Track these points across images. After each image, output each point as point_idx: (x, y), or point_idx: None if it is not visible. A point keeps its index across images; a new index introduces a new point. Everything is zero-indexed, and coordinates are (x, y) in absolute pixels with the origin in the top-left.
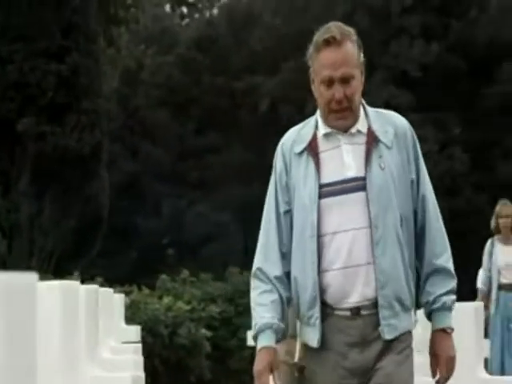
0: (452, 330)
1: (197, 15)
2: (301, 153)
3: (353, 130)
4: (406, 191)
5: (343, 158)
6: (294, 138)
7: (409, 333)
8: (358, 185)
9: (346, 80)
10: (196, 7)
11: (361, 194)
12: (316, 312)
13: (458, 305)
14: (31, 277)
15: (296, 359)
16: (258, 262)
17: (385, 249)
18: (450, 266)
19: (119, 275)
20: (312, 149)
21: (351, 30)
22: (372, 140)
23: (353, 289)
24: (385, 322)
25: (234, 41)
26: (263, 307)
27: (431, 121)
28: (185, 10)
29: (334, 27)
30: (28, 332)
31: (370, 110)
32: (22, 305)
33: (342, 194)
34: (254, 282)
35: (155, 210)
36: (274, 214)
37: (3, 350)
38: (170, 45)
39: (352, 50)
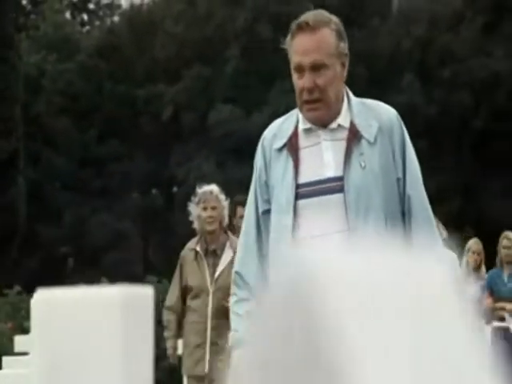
0: None
1: (98, 22)
2: (281, 149)
3: (333, 125)
4: (392, 191)
5: (323, 156)
6: (275, 132)
7: None
8: (336, 185)
9: (316, 68)
10: (97, 14)
11: (339, 196)
12: None
13: None
14: (147, 290)
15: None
16: (236, 265)
17: None
18: None
19: (20, 284)
20: (292, 145)
21: (332, 18)
22: (353, 136)
23: None
24: None
25: (135, 48)
26: (237, 319)
27: None
28: (85, 17)
29: (312, 14)
30: (145, 343)
31: (355, 101)
32: (139, 317)
33: (319, 195)
34: (232, 288)
35: (57, 218)
36: (253, 214)
37: (121, 362)
38: (71, 52)
39: (328, 38)
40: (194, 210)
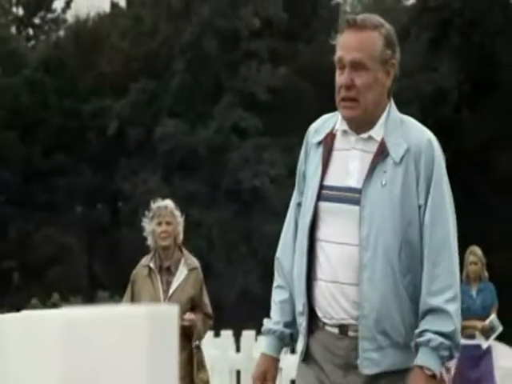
0: (432, 372)
1: (43, 37)
2: (318, 144)
3: (365, 135)
4: (412, 215)
5: (349, 164)
6: (318, 127)
7: (404, 372)
8: (354, 197)
9: (356, 66)
10: (42, 29)
11: (355, 208)
12: (304, 320)
13: None
14: (173, 309)
15: None
16: (278, 250)
17: (373, 274)
18: (450, 307)
19: None
20: (327, 144)
21: (385, 25)
22: (381, 152)
23: (338, 305)
24: (364, 355)
25: (81, 63)
26: (274, 306)
27: (279, 144)
28: (31, 31)
29: (365, 15)
30: (170, 363)
31: (393, 118)
32: (164, 336)
33: (340, 202)
34: (275, 271)
35: (1, 232)
36: (293, 204)
37: (146, 382)
38: (16, 66)
39: (373, 40)
40: (148, 225)
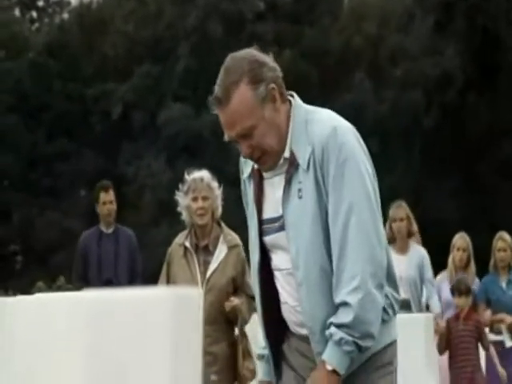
0: (331, 367)
1: (47, 20)
2: (249, 177)
3: (281, 161)
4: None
5: (275, 193)
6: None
7: (372, 357)
8: (281, 223)
9: (244, 135)
10: (46, 12)
11: (283, 234)
12: (267, 351)
13: (407, 316)
14: (196, 291)
15: None
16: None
17: (308, 291)
18: (350, 298)
19: None
20: (254, 177)
21: (243, 67)
22: (291, 165)
23: (297, 323)
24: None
25: (85, 46)
26: (260, 331)
27: None
28: (35, 14)
29: (220, 81)
30: (194, 344)
31: (298, 121)
32: (188, 318)
33: (275, 232)
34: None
35: (5, 217)
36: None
37: (170, 363)
38: (20, 50)
39: (242, 101)
40: (182, 199)
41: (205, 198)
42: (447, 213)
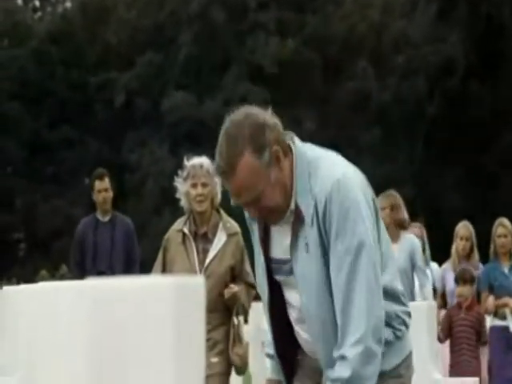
0: None
1: (50, 8)
2: (253, 218)
3: (288, 212)
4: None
5: (282, 239)
6: None
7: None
8: (290, 266)
9: (251, 202)
10: (49, 0)
11: (293, 278)
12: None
13: (409, 304)
14: (199, 279)
15: None
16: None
17: (317, 342)
18: (349, 352)
19: None
20: (260, 221)
21: (244, 136)
22: (297, 218)
23: (308, 347)
24: None
25: (88, 34)
26: (267, 329)
27: (286, 116)
28: (37, 3)
29: (222, 150)
30: (197, 333)
31: (300, 172)
32: (190, 307)
33: (284, 274)
34: None
35: (8, 204)
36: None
37: (173, 351)
38: (23, 38)
39: (248, 172)
40: (181, 185)
41: (204, 185)
42: (450, 201)
